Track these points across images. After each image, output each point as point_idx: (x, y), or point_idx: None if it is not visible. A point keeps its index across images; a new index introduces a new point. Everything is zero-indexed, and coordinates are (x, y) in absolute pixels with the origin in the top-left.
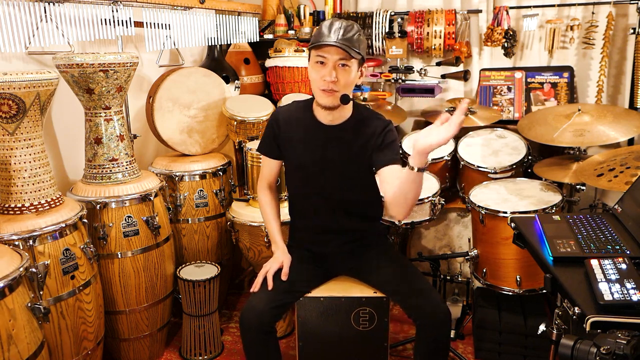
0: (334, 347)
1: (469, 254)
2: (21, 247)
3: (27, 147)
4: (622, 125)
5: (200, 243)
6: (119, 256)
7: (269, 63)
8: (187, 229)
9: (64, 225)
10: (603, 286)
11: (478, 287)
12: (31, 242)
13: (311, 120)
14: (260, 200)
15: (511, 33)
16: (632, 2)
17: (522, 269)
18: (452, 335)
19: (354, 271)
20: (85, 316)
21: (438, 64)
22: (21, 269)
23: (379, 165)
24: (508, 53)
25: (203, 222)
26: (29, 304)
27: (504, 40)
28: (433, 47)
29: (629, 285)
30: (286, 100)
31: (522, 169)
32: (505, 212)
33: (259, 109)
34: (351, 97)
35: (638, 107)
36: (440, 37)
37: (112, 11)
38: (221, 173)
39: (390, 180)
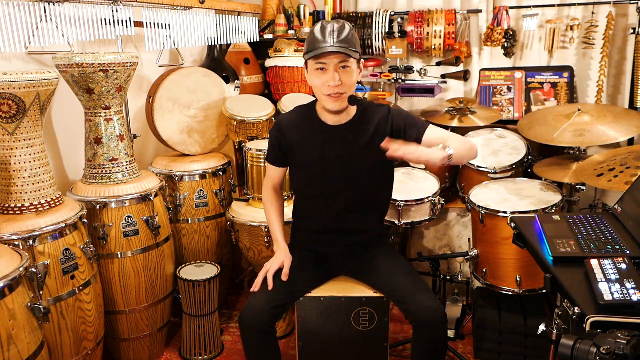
0: (334, 347)
1: (469, 254)
2: (21, 247)
3: (27, 147)
4: (622, 125)
5: (200, 243)
6: (119, 256)
7: (269, 63)
8: (187, 229)
9: (64, 225)
10: (603, 286)
11: (478, 287)
12: (31, 242)
13: (316, 123)
14: (264, 200)
15: (511, 33)
16: (632, 2)
17: (522, 269)
18: (452, 335)
19: (354, 271)
20: (85, 316)
21: (438, 64)
22: (21, 269)
23: (418, 140)
24: (508, 53)
25: (203, 222)
26: (29, 304)
27: (504, 40)
28: (433, 47)
29: (629, 285)
30: (286, 100)
31: (522, 169)
32: (505, 212)
33: (259, 109)
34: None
35: (638, 107)
36: (440, 37)
37: (112, 11)
38: (221, 173)
39: (435, 143)
